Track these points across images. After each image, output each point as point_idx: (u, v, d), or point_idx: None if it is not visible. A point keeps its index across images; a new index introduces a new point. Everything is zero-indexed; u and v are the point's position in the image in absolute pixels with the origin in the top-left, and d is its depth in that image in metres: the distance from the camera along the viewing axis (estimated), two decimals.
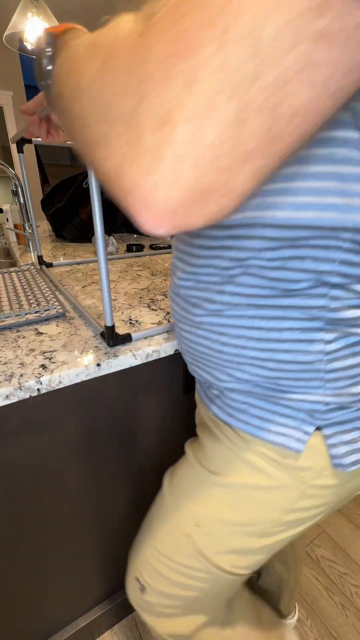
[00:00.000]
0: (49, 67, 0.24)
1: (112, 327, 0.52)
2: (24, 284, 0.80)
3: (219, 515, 0.40)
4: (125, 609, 0.88)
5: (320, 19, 0.13)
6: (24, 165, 0.89)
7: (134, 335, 0.55)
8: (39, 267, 1.04)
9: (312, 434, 0.33)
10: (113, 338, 0.52)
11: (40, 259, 1.04)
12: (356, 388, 0.31)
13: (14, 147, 3.72)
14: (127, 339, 0.54)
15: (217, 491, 0.40)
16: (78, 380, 0.48)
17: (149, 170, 0.16)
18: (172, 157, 0.15)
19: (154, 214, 0.17)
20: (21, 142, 0.86)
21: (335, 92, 0.15)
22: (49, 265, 1.05)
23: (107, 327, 0.52)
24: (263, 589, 0.81)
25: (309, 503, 0.38)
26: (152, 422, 0.68)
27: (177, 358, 0.65)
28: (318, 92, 0.15)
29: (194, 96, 0.14)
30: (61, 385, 0.47)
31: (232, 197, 0.17)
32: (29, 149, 3.63)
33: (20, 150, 0.87)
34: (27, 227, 1.32)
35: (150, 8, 0.16)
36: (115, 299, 0.73)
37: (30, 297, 0.70)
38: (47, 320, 0.62)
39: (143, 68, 0.15)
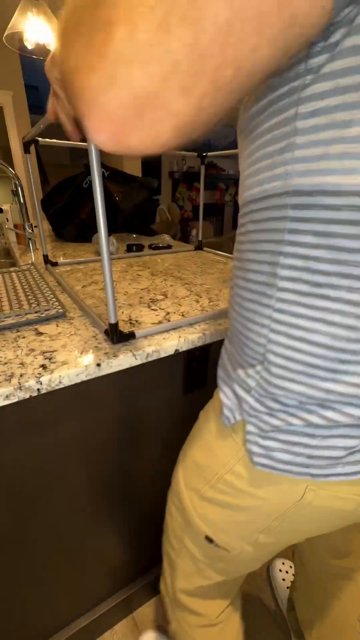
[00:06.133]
0: None
1: (116, 325, 0.52)
2: (24, 284, 0.80)
3: (191, 451, 0.47)
4: (125, 609, 0.88)
5: None
6: (30, 166, 0.89)
7: (138, 333, 0.55)
8: (44, 267, 1.04)
9: (239, 421, 0.36)
10: (117, 335, 0.52)
11: (45, 258, 1.04)
12: (285, 383, 0.30)
13: (14, 147, 3.72)
14: (130, 336, 0.54)
15: (193, 431, 0.49)
16: (78, 381, 0.48)
17: (93, 67, 0.17)
18: (111, 54, 0.17)
19: (96, 118, 0.19)
20: (28, 143, 0.86)
21: (259, 15, 0.16)
22: (54, 264, 1.05)
23: (110, 325, 0.52)
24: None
25: (224, 488, 0.39)
26: (152, 422, 0.68)
27: (177, 358, 0.65)
28: (238, 13, 0.16)
29: (127, 5, 0.16)
30: (61, 386, 0.47)
31: (166, 112, 0.18)
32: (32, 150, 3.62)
33: (27, 150, 0.87)
34: (27, 227, 1.32)
35: None
36: (116, 299, 0.73)
37: (30, 297, 0.70)
38: (47, 320, 0.62)
39: None
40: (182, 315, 0.65)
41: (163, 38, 0.16)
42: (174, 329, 0.59)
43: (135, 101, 0.18)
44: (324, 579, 0.65)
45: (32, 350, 0.51)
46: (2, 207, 1.46)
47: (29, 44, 1.70)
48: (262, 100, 0.27)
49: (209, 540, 0.43)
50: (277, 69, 0.20)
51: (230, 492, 0.39)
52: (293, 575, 0.79)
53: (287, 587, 0.88)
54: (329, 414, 0.29)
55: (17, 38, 1.68)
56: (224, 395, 0.37)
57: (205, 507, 0.42)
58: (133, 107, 0.18)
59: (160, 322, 0.61)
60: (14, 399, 0.43)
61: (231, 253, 1.39)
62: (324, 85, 0.22)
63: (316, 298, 0.27)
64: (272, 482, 0.35)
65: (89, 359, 0.49)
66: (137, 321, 0.62)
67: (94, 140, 0.20)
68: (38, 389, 0.45)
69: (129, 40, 0.16)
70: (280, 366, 0.30)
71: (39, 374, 0.45)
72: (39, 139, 0.87)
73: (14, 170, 1.25)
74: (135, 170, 4.05)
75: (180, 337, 0.57)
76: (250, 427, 0.34)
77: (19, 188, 1.32)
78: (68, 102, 0.23)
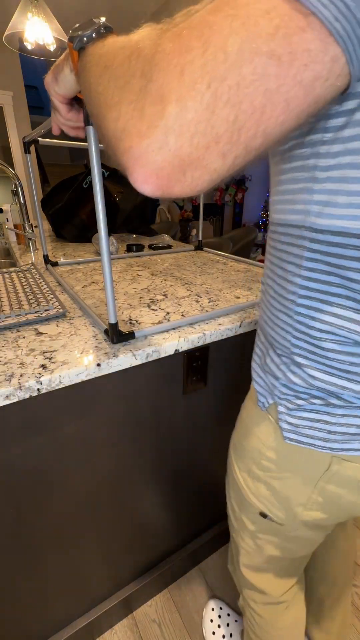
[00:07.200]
0: (91, 38, 0.30)
1: (116, 324, 0.52)
2: (24, 284, 0.80)
3: (238, 439, 0.52)
4: (125, 609, 0.88)
5: (271, 42, 0.18)
6: (31, 166, 0.89)
7: (137, 333, 0.55)
8: (44, 267, 1.04)
9: (271, 405, 0.42)
10: (117, 335, 0.52)
11: (46, 258, 1.04)
12: (312, 372, 0.36)
13: (14, 147, 3.72)
14: (130, 336, 0.54)
15: (238, 422, 0.53)
16: (78, 380, 0.48)
17: (145, 134, 0.21)
18: (163, 126, 0.20)
19: (143, 172, 0.22)
20: (29, 143, 0.86)
21: (287, 100, 0.20)
22: (55, 264, 1.05)
23: (110, 325, 0.52)
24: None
25: (267, 464, 0.45)
26: (152, 422, 0.68)
27: (177, 358, 0.65)
28: (271, 98, 0.20)
29: (183, 83, 0.19)
30: (61, 386, 0.47)
31: (205, 171, 0.22)
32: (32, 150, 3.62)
33: (27, 150, 0.87)
34: (27, 227, 1.32)
35: (166, 23, 0.23)
36: (116, 299, 0.73)
37: (30, 297, 0.70)
38: (47, 320, 0.62)
39: (154, 58, 0.21)
40: (182, 315, 0.65)
41: (209, 117, 0.20)
42: (174, 329, 0.59)
43: (181, 163, 0.21)
44: None
45: (32, 350, 0.51)
46: (2, 207, 1.46)
47: (29, 44, 1.70)
48: (290, 140, 0.32)
49: (264, 515, 0.48)
50: (297, 130, 0.25)
51: (271, 468, 0.44)
52: None
53: None
54: (346, 397, 0.35)
55: (17, 38, 1.69)
56: (258, 384, 0.44)
57: (256, 485, 0.48)
58: (178, 167, 0.21)
59: (160, 322, 0.61)
60: (14, 399, 0.43)
61: (231, 253, 1.39)
62: (336, 147, 0.27)
63: (326, 314, 0.32)
64: (301, 454, 0.40)
65: (89, 359, 0.49)
66: (137, 321, 0.62)
67: (139, 189, 0.24)
68: (38, 389, 0.45)
69: (179, 117, 0.20)
70: (303, 365, 0.36)
71: (39, 374, 0.45)
72: (39, 139, 0.87)
73: (14, 170, 1.25)
74: None
75: (180, 337, 0.57)
76: (280, 408, 0.40)
77: (19, 188, 1.32)
78: (106, 148, 0.26)
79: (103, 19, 0.31)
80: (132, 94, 0.21)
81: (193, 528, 0.95)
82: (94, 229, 1.47)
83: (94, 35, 0.30)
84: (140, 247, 1.31)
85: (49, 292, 0.74)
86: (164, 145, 0.20)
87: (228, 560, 0.68)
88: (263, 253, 4.35)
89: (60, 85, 0.40)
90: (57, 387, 0.47)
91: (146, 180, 0.22)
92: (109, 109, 0.23)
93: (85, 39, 0.30)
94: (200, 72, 0.19)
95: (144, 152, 0.21)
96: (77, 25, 0.31)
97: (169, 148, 0.20)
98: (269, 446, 0.44)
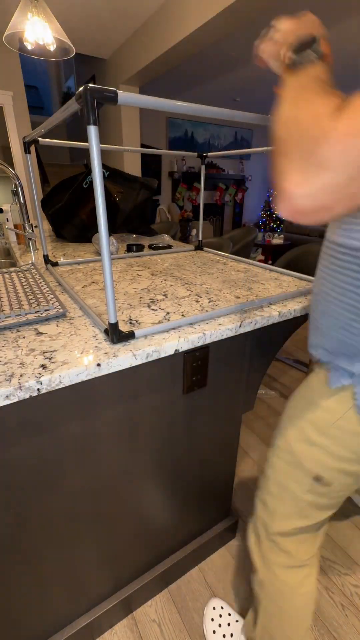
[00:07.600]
0: (313, 58, 0.38)
1: (116, 324, 0.52)
2: (24, 284, 0.80)
3: (297, 413, 0.58)
4: (125, 609, 0.88)
5: None
6: (31, 166, 0.89)
7: (137, 332, 0.55)
8: (44, 267, 1.04)
9: (346, 385, 0.50)
10: (117, 335, 0.52)
11: (46, 258, 1.04)
12: None
13: (14, 147, 3.71)
14: (130, 335, 0.54)
15: (296, 401, 0.60)
16: (78, 380, 0.48)
17: (299, 185, 0.32)
18: (318, 185, 0.31)
19: (289, 207, 0.33)
20: (29, 143, 0.86)
21: None
22: (55, 264, 1.05)
23: (110, 324, 0.52)
24: None
25: (336, 432, 0.51)
26: (152, 422, 0.68)
27: (177, 358, 0.65)
28: None
29: (341, 160, 0.30)
30: (61, 385, 0.47)
31: (330, 213, 0.33)
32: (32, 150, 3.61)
33: (27, 150, 0.87)
34: (27, 227, 1.32)
35: (344, 104, 0.32)
36: (116, 299, 0.73)
37: (30, 297, 0.70)
38: (47, 320, 0.62)
39: (329, 133, 0.30)
40: (182, 315, 0.65)
41: (349, 183, 0.30)
42: (174, 328, 0.60)
43: (318, 209, 0.32)
44: None
45: (32, 350, 0.51)
46: (2, 207, 1.46)
47: (29, 44, 1.70)
48: None
49: (317, 479, 0.55)
50: None
51: (339, 435, 0.51)
52: None
53: None
54: None
55: (17, 38, 1.68)
56: (334, 370, 0.51)
57: (315, 452, 0.55)
58: (314, 210, 0.33)
59: (160, 322, 0.61)
60: (14, 399, 0.43)
61: (231, 253, 1.38)
62: None
63: None
64: None
65: (89, 359, 0.49)
66: (137, 321, 0.62)
67: (279, 212, 0.35)
68: (38, 389, 0.45)
69: (330, 181, 0.31)
70: None
71: (39, 374, 0.45)
72: (39, 138, 0.87)
73: (14, 170, 1.25)
74: (135, 170, 4.05)
75: (180, 337, 0.57)
76: (357, 389, 0.48)
77: (19, 188, 1.32)
78: (272, 165, 0.36)
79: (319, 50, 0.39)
80: (303, 150, 0.32)
81: (193, 528, 0.95)
82: (94, 229, 1.47)
83: (306, 63, 0.38)
84: (140, 247, 1.31)
85: (49, 292, 0.74)
86: (312, 197, 0.31)
87: (248, 534, 0.71)
88: (263, 253, 4.34)
89: (268, 54, 0.46)
90: (57, 387, 0.47)
91: (287, 211, 0.34)
92: (286, 149, 0.33)
93: (300, 63, 0.38)
94: (355, 156, 0.29)
95: (294, 197, 0.32)
96: (301, 37, 0.39)
97: (315, 200, 0.32)
98: (340, 416, 0.51)
